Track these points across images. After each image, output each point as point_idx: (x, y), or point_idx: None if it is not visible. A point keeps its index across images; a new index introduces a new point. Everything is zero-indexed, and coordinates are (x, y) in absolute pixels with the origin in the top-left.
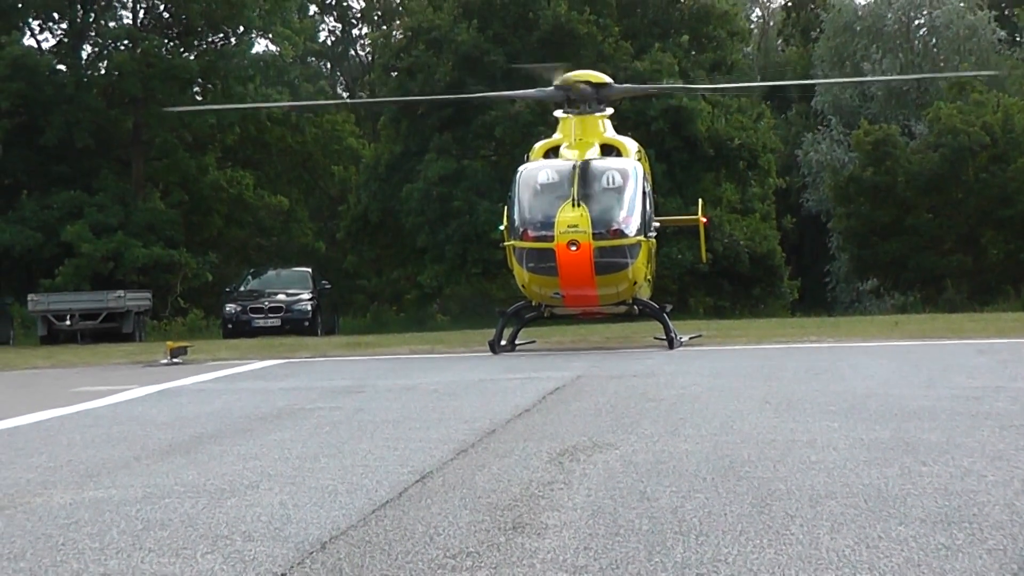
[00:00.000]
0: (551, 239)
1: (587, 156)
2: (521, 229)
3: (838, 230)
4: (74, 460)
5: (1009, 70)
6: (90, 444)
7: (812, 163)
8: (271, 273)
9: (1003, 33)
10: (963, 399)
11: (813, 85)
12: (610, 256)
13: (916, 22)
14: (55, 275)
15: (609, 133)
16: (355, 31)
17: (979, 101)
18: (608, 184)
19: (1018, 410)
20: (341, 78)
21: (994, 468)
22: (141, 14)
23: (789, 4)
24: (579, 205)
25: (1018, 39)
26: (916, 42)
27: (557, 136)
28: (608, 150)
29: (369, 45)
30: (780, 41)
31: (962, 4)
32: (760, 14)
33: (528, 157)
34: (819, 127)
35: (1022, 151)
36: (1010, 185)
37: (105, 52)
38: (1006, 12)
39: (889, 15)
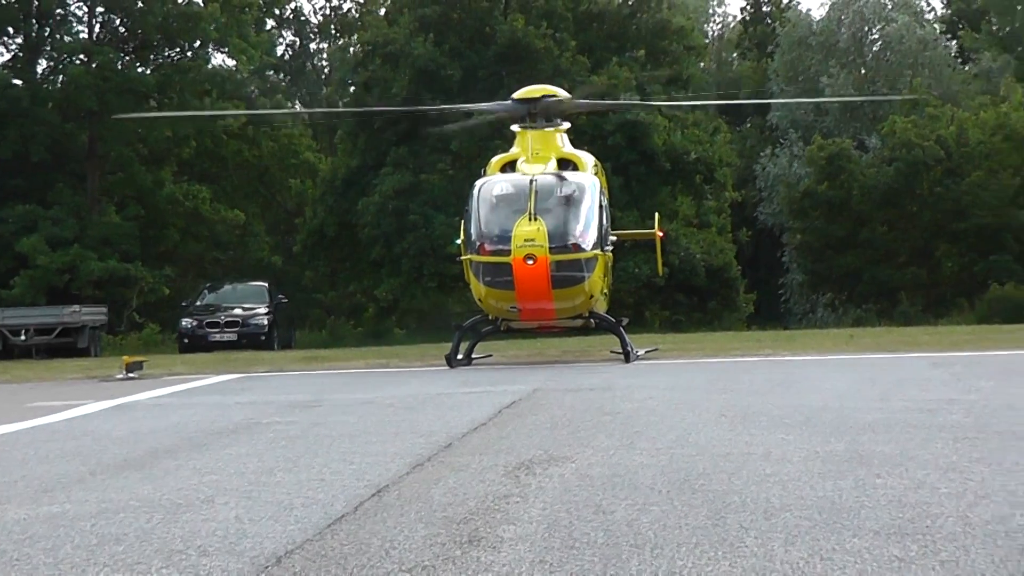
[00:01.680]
0: (508, 253)
1: (544, 170)
2: (478, 243)
3: (792, 246)
4: (28, 475)
5: (961, 85)
6: (45, 459)
7: (769, 176)
8: (227, 287)
9: (955, 45)
10: (917, 412)
11: (768, 103)
12: (567, 270)
13: (870, 37)
14: (11, 286)
15: (566, 147)
16: (312, 45)
17: (933, 115)
18: (564, 198)
19: (971, 423)
20: (299, 92)
21: (947, 480)
22: (97, 28)
23: (746, 18)
24: (536, 219)
25: (972, 57)
26: (869, 56)
27: (514, 150)
28: (565, 164)
29: (327, 59)
30: (736, 55)
31: (913, 20)
32: (716, 28)
33: (485, 171)
34: (780, 141)
35: (976, 165)
36: (964, 199)
37: (60, 66)
38: (959, 30)
39: (842, 29)
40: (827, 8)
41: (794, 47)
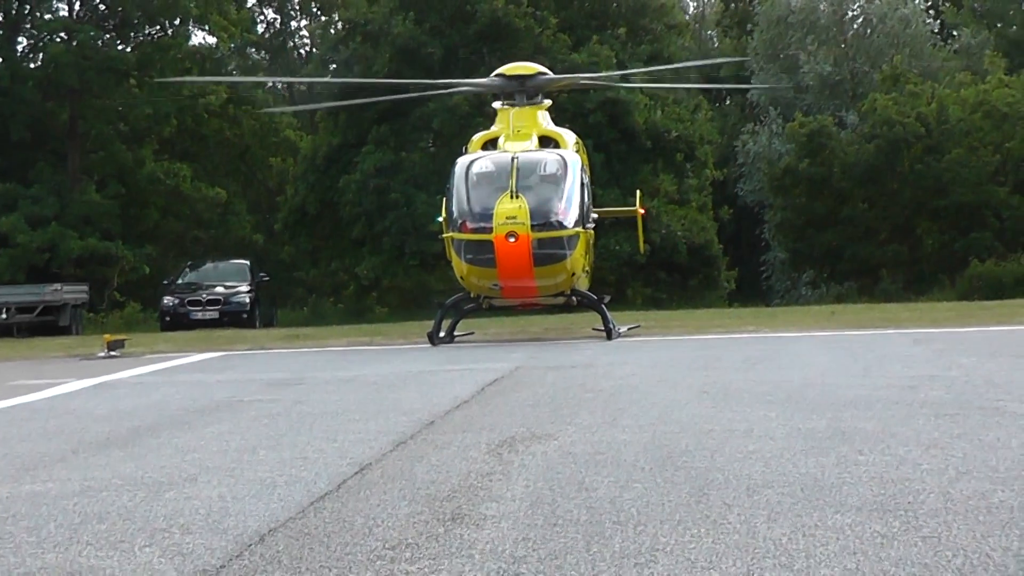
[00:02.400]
0: (489, 231)
1: (525, 148)
2: (459, 221)
3: (773, 223)
4: (10, 454)
5: (942, 62)
6: (27, 438)
7: (750, 154)
8: (209, 265)
9: (937, 24)
10: (899, 388)
11: (745, 78)
12: (548, 247)
13: (850, 14)
14: None
15: (547, 125)
16: (293, 23)
17: (914, 92)
18: (546, 176)
19: (952, 399)
20: (279, 70)
21: (929, 456)
22: (77, 6)
23: None
24: (517, 197)
25: (954, 33)
26: (850, 34)
27: (495, 128)
28: (546, 142)
29: (307, 38)
30: (717, 31)
31: None
32: (697, 6)
33: (466, 149)
34: (760, 118)
35: (956, 142)
36: (944, 176)
37: (40, 44)
38: (941, 7)
39: (823, 6)
40: None
41: (773, 25)
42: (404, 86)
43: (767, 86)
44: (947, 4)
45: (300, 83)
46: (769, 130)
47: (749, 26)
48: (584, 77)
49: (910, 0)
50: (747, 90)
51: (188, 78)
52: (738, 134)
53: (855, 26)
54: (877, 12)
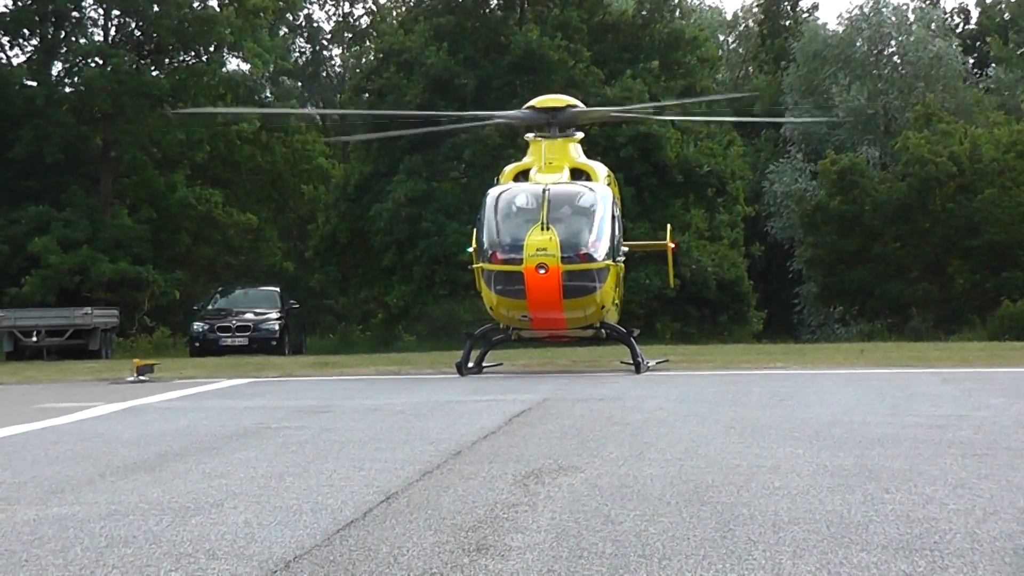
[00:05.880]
0: (520, 262)
1: (557, 180)
2: (490, 252)
3: (804, 259)
4: (38, 476)
5: (975, 101)
6: (55, 461)
7: (777, 192)
8: (239, 292)
9: (971, 61)
10: (926, 427)
11: (777, 119)
12: (578, 280)
13: (887, 51)
14: (22, 284)
15: (579, 157)
16: (325, 52)
17: (947, 131)
18: (577, 208)
19: (981, 439)
20: (312, 99)
21: (956, 496)
22: (112, 31)
23: (765, 32)
24: (548, 228)
25: (989, 69)
26: (884, 70)
27: (527, 159)
28: (578, 174)
29: (340, 66)
30: (753, 68)
31: (930, 33)
32: (735, 41)
33: (498, 180)
34: (783, 157)
35: (989, 181)
36: (977, 215)
37: (75, 68)
38: (979, 44)
39: (859, 42)
40: (846, 21)
41: (808, 60)
42: (436, 118)
43: (800, 119)
44: (988, 39)
45: (333, 114)
46: (792, 167)
47: (784, 62)
48: (614, 110)
49: (944, 36)
50: (780, 126)
51: (222, 108)
52: (767, 171)
53: (894, 60)
54: (910, 47)
